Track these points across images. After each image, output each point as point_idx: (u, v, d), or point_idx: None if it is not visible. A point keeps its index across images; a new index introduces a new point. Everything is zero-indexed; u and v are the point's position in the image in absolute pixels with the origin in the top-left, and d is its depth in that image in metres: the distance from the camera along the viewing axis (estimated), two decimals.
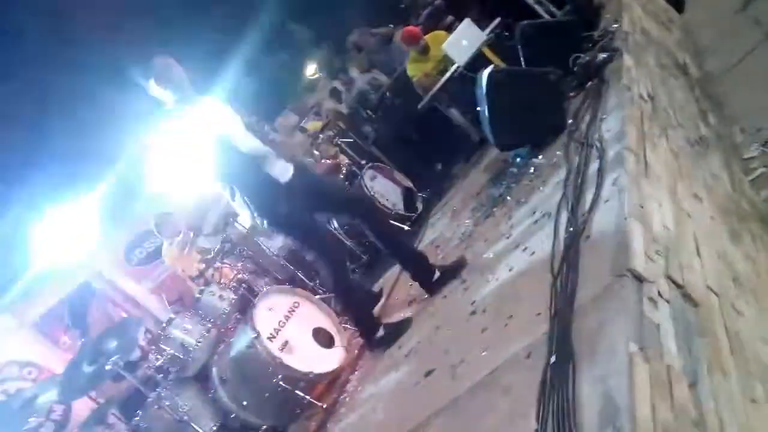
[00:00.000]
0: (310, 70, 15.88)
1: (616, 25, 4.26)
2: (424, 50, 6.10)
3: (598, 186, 2.26)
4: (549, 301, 1.85)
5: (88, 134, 6.10)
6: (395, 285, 4.11)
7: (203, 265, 4.12)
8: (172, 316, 3.74)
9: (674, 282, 1.72)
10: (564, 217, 2.34)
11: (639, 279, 1.60)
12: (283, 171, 3.00)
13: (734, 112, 3.87)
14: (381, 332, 3.12)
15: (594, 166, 2.49)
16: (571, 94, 3.75)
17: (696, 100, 3.91)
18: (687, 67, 4.62)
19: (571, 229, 2.15)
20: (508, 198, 3.34)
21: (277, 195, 2.97)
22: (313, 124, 7.39)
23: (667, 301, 1.62)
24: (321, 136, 6.28)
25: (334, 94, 8.38)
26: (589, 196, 2.28)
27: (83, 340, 4.43)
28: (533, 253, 2.37)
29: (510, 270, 2.41)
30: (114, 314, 5.88)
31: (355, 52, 8.18)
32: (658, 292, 1.61)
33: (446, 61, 5.66)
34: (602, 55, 3.78)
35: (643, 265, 1.66)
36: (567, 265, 1.95)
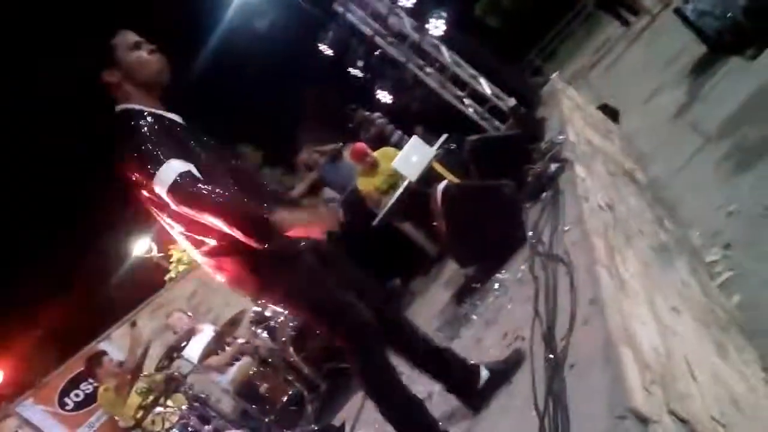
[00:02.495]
0: None
1: (562, 137, 4.33)
2: (373, 165, 6.12)
3: (573, 305, 2.08)
4: None
5: None
6: (359, 415, 3.74)
7: (141, 412, 3.68)
8: None
9: (678, 417, 1.50)
10: (538, 340, 2.14)
11: (643, 420, 1.38)
12: None
13: (689, 215, 3.87)
14: None
15: (564, 282, 2.33)
16: (527, 205, 3.69)
17: (649, 205, 3.91)
18: (633, 173, 4.70)
19: (551, 356, 1.94)
20: (474, 317, 3.14)
21: None
22: None
23: None
24: None
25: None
26: (563, 316, 2.10)
27: None
28: (510, 383, 2.13)
29: (486, 406, 2.15)
30: None
31: (305, 170, 8.20)
32: None
33: (396, 175, 5.66)
34: (553, 166, 3.79)
35: (643, 401, 1.45)
36: (553, 401, 1.72)
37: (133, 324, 5.10)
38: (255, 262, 2.09)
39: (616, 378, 1.54)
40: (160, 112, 2.19)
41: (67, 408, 6.29)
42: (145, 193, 2.08)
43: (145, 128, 2.07)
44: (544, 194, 3.55)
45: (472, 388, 2.23)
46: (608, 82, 9.91)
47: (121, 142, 2.09)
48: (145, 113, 2.13)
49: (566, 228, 2.81)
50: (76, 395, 6.31)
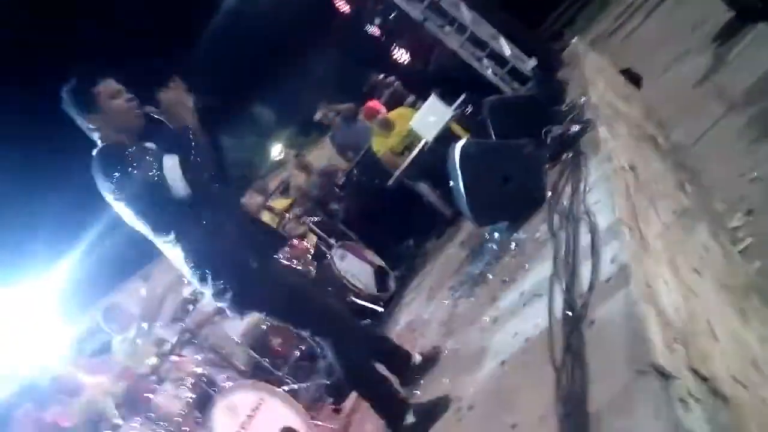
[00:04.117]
0: (276, 150, 15.89)
1: (584, 98, 4.24)
2: (388, 125, 6.06)
3: (595, 263, 2.05)
4: (554, 402, 1.59)
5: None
6: None
7: (156, 360, 3.73)
8: (119, 422, 3.32)
9: (700, 375, 1.49)
10: (558, 298, 2.12)
11: (665, 376, 1.37)
12: None
13: (711, 181, 3.80)
14: (412, 418, 2.44)
15: (585, 241, 2.30)
16: (547, 166, 3.63)
17: (672, 170, 3.83)
18: (656, 138, 4.61)
19: (570, 313, 1.93)
20: (490, 276, 3.12)
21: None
22: (280, 202, 7.19)
23: (698, 400, 1.38)
24: (288, 215, 6.06)
25: (304, 171, 8.28)
26: (584, 275, 2.07)
27: None
28: (526, 340, 2.12)
29: (501, 362, 2.14)
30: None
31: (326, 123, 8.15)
32: (688, 390, 1.37)
33: (412, 136, 5.61)
34: (575, 127, 3.71)
35: (665, 357, 1.43)
36: (571, 356, 1.71)
37: (146, 278, 5.15)
38: (226, 282, 2.45)
39: (638, 334, 1.52)
40: (138, 145, 2.46)
41: (84, 354, 6.41)
42: (131, 218, 2.47)
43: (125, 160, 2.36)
44: (565, 155, 3.48)
45: (406, 368, 2.82)
46: (630, 49, 9.65)
47: (104, 175, 2.39)
48: (121, 149, 2.41)
49: (588, 188, 2.76)
50: (92, 344, 6.41)
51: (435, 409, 2.33)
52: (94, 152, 2.44)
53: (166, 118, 2.48)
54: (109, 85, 2.47)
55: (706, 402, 1.41)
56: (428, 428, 2.31)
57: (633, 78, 6.70)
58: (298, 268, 2.96)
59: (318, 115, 7.71)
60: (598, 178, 2.74)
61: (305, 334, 2.61)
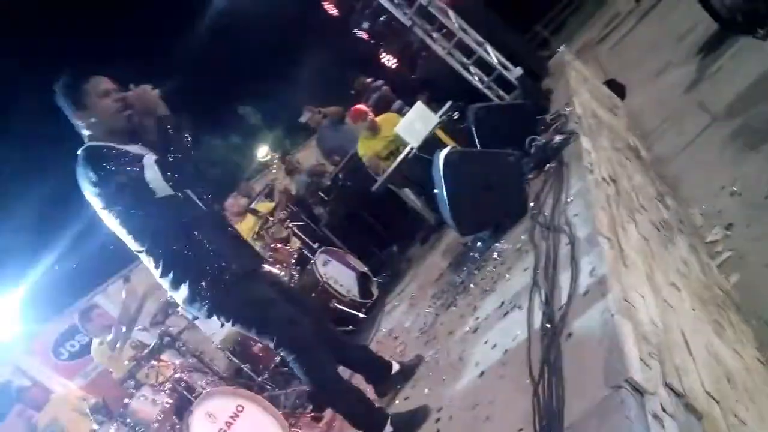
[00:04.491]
0: (262, 152, 15.84)
1: (569, 109, 4.27)
2: (374, 128, 6.05)
3: (573, 275, 2.07)
4: (532, 414, 1.60)
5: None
6: (350, 377, 3.77)
7: (134, 364, 3.68)
8: (95, 427, 3.28)
9: (674, 391, 1.50)
10: (537, 309, 2.13)
11: (639, 391, 1.38)
12: None
13: (690, 194, 3.84)
14: (390, 429, 2.40)
15: (564, 253, 2.32)
16: (530, 176, 3.65)
17: (653, 182, 3.87)
18: (638, 149, 4.66)
19: (548, 325, 1.94)
20: (471, 285, 3.13)
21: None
22: (264, 205, 7.16)
23: (672, 416, 1.39)
24: (271, 218, 6.02)
25: (290, 172, 8.26)
26: (563, 286, 2.09)
27: None
28: (505, 351, 2.13)
29: (481, 374, 2.15)
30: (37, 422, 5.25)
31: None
32: (662, 406, 1.38)
33: (397, 141, 5.60)
34: (558, 137, 3.73)
35: (641, 373, 1.44)
36: (548, 369, 1.72)
37: (127, 279, 5.08)
38: (199, 289, 2.46)
39: (614, 348, 1.53)
40: (122, 147, 2.43)
41: (62, 358, 6.35)
42: (108, 220, 2.44)
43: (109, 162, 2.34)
44: (548, 165, 3.51)
45: (385, 378, 2.80)
46: (616, 57, 9.74)
47: (87, 174, 2.36)
48: (109, 149, 2.39)
49: (569, 199, 2.78)
50: (72, 345, 6.36)
51: (414, 420, 2.32)
52: (79, 151, 2.42)
53: (137, 111, 2.46)
54: (98, 84, 2.45)
55: (680, 418, 1.43)
56: None
57: (617, 88, 6.77)
58: (275, 274, 2.91)
59: (304, 117, 7.68)
60: (579, 189, 2.76)
61: (270, 345, 2.56)
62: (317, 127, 7.52)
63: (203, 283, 2.44)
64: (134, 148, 2.48)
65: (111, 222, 2.45)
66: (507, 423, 1.71)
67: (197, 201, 2.56)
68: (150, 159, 2.38)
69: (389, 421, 2.38)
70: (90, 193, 2.40)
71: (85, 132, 2.46)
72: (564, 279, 2.12)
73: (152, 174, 2.34)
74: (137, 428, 3.35)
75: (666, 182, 4.14)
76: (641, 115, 6.01)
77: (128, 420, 3.34)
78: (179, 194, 2.44)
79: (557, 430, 1.46)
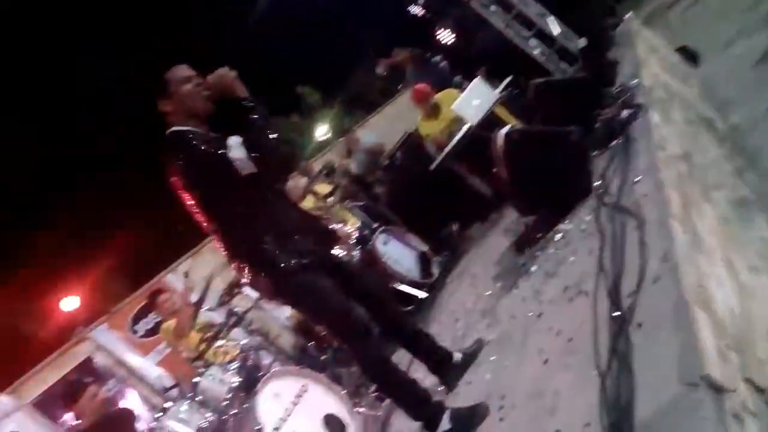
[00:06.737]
0: (321, 131, 15.94)
1: (636, 81, 4.06)
2: (435, 109, 5.98)
3: (643, 261, 1.97)
4: (599, 409, 1.54)
5: None
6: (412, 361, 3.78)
7: (203, 345, 3.81)
8: (167, 405, 3.42)
9: (756, 386, 1.41)
10: (603, 296, 2.05)
11: (717, 389, 1.30)
12: None
13: None
14: (447, 425, 2.34)
15: (632, 236, 2.21)
16: (594, 153, 3.51)
17: (729, 156, 3.65)
18: (713, 121, 4.39)
19: (616, 314, 1.86)
20: (533, 268, 3.05)
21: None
22: (323, 186, 7.23)
23: (754, 415, 1.31)
24: (330, 199, 6.07)
25: (346, 155, 8.29)
26: (631, 272, 1.99)
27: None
28: (570, 339, 2.06)
29: (545, 362, 2.09)
30: (112, 400, 5.57)
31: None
32: (743, 404, 1.30)
33: (459, 119, 5.50)
34: (625, 111, 3.56)
35: (718, 368, 1.36)
36: (617, 361, 1.65)
37: (186, 274, 5.24)
38: (261, 272, 2.55)
39: (689, 342, 1.45)
40: (203, 131, 2.58)
41: (138, 334, 6.67)
42: (187, 198, 2.54)
43: (193, 144, 2.49)
44: (614, 142, 3.35)
45: (446, 368, 2.75)
46: (688, 24, 9.22)
47: (173, 156, 2.51)
48: (191, 133, 2.53)
49: (637, 178, 2.65)
50: (146, 323, 6.66)
51: (473, 416, 2.26)
52: (166, 134, 2.57)
53: (216, 93, 2.58)
54: (179, 71, 2.60)
55: (763, 416, 1.34)
56: None
57: (690, 56, 6.39)
58: (337, 258, 2.92)
59: (380, 68, 7.67)
60: (648, 168, 2.62)
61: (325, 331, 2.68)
62: (404, 64, 7.43)
63: (266, 268, 2.51)
64: (215, 131, 2.61)
65: (192, 202, 2.55)
66: (573, 416, 1.66)
67: (271, 182, 2.67)
68: (235, 140, 2.49)
69: (448, 414, 2.35)
70: (175, 175, 2.53)
71: (170, 118, 2.57)
72: (632, 264, 2.02)
73: (238, 153, 2.45)
74: (207, 405, 3.48)
75: (744, 155, 3.89)
76: (716, 83, 5.66)
77: (198, 398, 3.48)
78: (260, 174, 2.52)
79: (627, 428, 1.40)
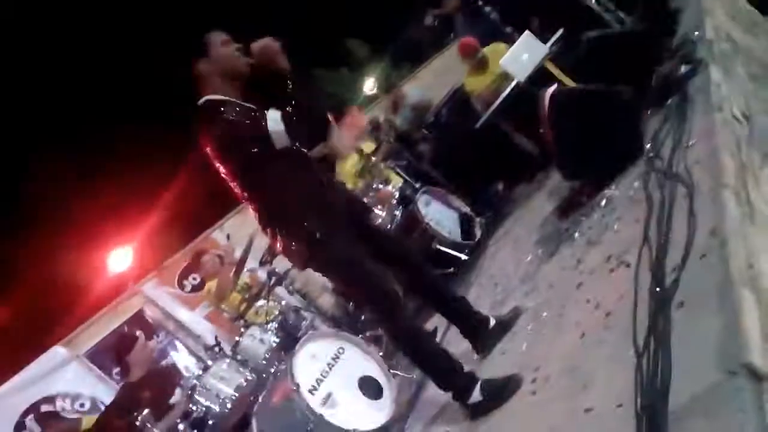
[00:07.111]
0: (369, 85, 15.74)
1: (697, 33, 3.78)
2: (483, 63, 5.78)
3: (690, 234, 1.85)
4: (633, 390, 1.47)
5: None
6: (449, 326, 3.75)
7: (244, 305, 3.89)
8: (209, 363, 3.52)
9: None
10: (645, 269, 1.94)
11: (758, 378, 1.21)
12: None
13: None
14: (478, 396, 2.30)
15: (681, 206, 2.08)
16: (648, 112, 3.31)
17: None
18: None
19: (658, 289, 1.76)
20: (576, 235, 2.94)
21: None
22: (367, 145, 7.16)
23: None
24: (374, 158, 6.00)
25: (392, 111, 8.16)
26: (677, 246, 1.87)
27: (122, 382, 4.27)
28: (608, 314, 1.98)
29: (582, 335, 2.02)
30: (158, 356, 5.77)
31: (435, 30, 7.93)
32: None
33: (507, 76, 5.30)
34: (684, 67, 3.33)
35: (762, 357, 1.26)
36: (655, 341, 1.57)
37: (228, 237, 5.29)
38: (293, 241, 2.53)
39: (732, 326, 1.35)
40: (239, 101, 2.56)
41: (186, 290, 6.88)
42: (221, 168, 2.54)
43: (226, 117, 2.46)
44: (669, 101, 3.15)
45: (481, 335, 2.70)
46: None
47: (206, 125, 2.50)
48: (225, 104, 2.50)
49: (691, 141, 2.48)
50: (194, 278, 6.85)
51: (505, 388, 2.21)
52: (199, 103, 2.56)
53: (258, 61, 2.54)
54: (217, 35, 2.59)
55: None
56: (494, 408, 2.22)
57: (761, 2, 5.92)
58: (373, 225, 2.89)
59: (429, 19, 7.50)
60: (703, 131, 2.44)
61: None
62: (451, 14, 7.26)
63: (297, 238, 2.51)
64: (250, 102, 2.58)
65: (227, 171, 2.56)
66: (605, 396, 1.60)
67: (308, 154, 2.67)
68: (274, 113, 2.47)
69: (479, 385, 2.32)
70: (207, 146, 2.52)
71: (203, 83, 2.56)
72: (679, 237, 1.90)
73: (274, 125, 2.44)
74: (247, 364, 3.57)
75: None
76: None
77: (239, 357, 3.57)
78: (295, 147, 2.53)
79: (661, 413, 1.33)
